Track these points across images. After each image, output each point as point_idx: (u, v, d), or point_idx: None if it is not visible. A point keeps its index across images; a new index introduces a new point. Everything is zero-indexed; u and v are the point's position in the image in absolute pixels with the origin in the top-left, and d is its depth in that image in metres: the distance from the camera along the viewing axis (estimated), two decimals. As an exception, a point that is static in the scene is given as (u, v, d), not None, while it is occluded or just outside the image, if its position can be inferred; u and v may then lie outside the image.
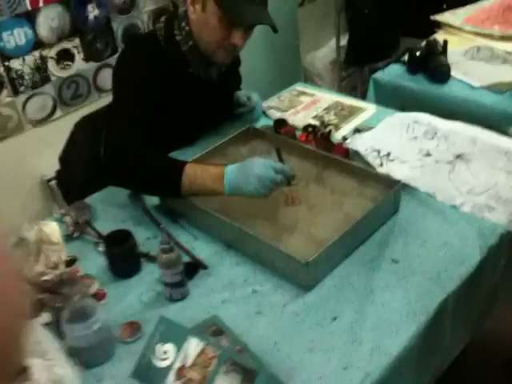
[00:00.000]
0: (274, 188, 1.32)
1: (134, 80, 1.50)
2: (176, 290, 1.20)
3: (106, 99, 1.81)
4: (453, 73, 2.07)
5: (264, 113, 1.90)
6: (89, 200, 1.55)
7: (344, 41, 3.23)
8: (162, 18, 1.60)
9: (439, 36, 2.31)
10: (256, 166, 1.31)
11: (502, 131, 1.84)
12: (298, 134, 1.71)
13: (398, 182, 1.39)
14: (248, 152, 1.62)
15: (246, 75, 1.98)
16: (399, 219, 1.38)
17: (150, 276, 1.28)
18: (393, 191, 1.36)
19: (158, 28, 1.58)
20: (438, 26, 2.45)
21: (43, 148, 2.34)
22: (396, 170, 1.51)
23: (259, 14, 1.48)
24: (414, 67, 2.13)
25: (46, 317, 1.14)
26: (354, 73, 3.45)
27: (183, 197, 1.38)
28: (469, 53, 2.23)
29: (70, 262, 1.31)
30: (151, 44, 1.57)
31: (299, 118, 1.85)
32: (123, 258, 1.28)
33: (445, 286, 1.18)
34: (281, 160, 1.43)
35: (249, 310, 1.18)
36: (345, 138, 1.68)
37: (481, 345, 1.87)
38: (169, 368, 1.02)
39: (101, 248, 1.35)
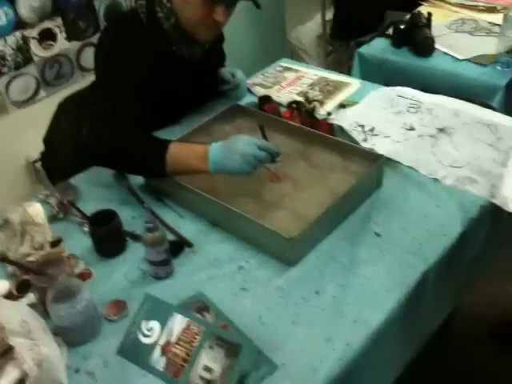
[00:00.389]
0: (257, 165, 1.33)
1: (118, 62, 1.49)
2: (161, 268, 1.21)
3: (90, 78, 1.79)
4: (437, 46, 2.07)
5: (249, 90, 1.89)
6: (73, 180, 1.55)
7: (330, 15, 3.21)
8: None
9: (424, 9, 2.30)
10: (240, 144, 1.32)
11: (486, 103, 1.86)
12: (283, 110, 1.71)
13: (380, 156, 1.40)
14: (233, 130, 1.62)
15: (231, 52, 1.96)
16: (382, 193, 1.39)
17: (135, 255, 1.29)
18: (375, 166, 1.37)
19: (140, 5, 1.56)
20: (424, -2, 2.44)
21: (28, 129, 2.32)
22: (380, 145, 1.51)
23: None
24: (398, 41, 2.13)
25: (31, 297, 1.16)
26: (341, 47, 3.43)
27: (168, 176, 1.38)
28: (453, 25, 2.23)
29: (55, 243, 1.31)
30: (133, 23, 1.55)
31: (284, 94, 1.85)
32: (108, 237, 1.29)
33: (426, 258, 1.20)
34: (264, 137, 1.44)
35: (234, 286, 1.19)
36: (329, 114, 1.68)
37: (465, 313, 1.92)
38: (154, 344, 1.04)
39: (86, 228, 1.35)
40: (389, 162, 1.45)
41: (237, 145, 1.32)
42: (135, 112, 1.46)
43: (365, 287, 1.15)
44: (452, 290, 1.33)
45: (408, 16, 2.15)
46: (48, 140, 1.82)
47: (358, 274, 1.18)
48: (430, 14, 2.10)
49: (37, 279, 1.13)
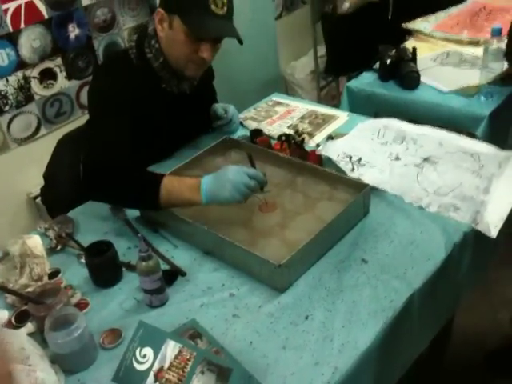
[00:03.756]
0: (248, 194, 1.38)
1: (109, 102, 1.55)
2: (155, 296, 1.25)
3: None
4: (423, 78, 2.14)
5: (241, 123, 1.96)
6: (71, 213, 1.60)
7: (322, 51, 3.31)
8: (134, 37, 1.66)
9: (410, 43, 2.38)
10: (230, 173, 1.37)
11: (471, 133, 1.92)
12: (274, 142, 1.77)
13: (366, 185, 1.45)
14: (225, 162, 1.68)
15: (227, 87, 2.03)
16: (369, 221, 1.44)
17: (130, 284, 1.33)
18: (362, 194, 1.42)
19: (130, 47, 1.65)
20: (410, 33, 2.52)
21: (28, 166, 2.39)
22: (367, 174, 1.57)
23: (223, 27, 1.54)
24: (385, 75, 2.20)
25: (30, 327, 1.19)
26: (333, 81, 3.52)
27: (162, 209, 1.43)
28: (438, 58, 2.31)
29: (54, 274, 1.36)
30: (124, 63, 1.63)
31: (275, 127, 1.92)
32: (104, 267, 1.33)
33: (411, 282, 1.24)
34: (253, 166, 1.49)
35: (226, 313, 1.23)
36: (318, 146, 1.74)
37: (460, 340, 1.93)
38: (148, 370, 1.07)
39: (83, 260, 1.39)
40: (376, 190, 1.51)
41: (227, 174, 1.37)
42: (128, 147, 1.51)
43: (352, 312, 1.19)
44: (437, 313, 1.37)
45: (394, 51, 2.23)
46: (48, 176, 1.88)
47: (345, 300, 1.22)
48: (414, 49, 2.18)
49: (35, 308, 1.17)
